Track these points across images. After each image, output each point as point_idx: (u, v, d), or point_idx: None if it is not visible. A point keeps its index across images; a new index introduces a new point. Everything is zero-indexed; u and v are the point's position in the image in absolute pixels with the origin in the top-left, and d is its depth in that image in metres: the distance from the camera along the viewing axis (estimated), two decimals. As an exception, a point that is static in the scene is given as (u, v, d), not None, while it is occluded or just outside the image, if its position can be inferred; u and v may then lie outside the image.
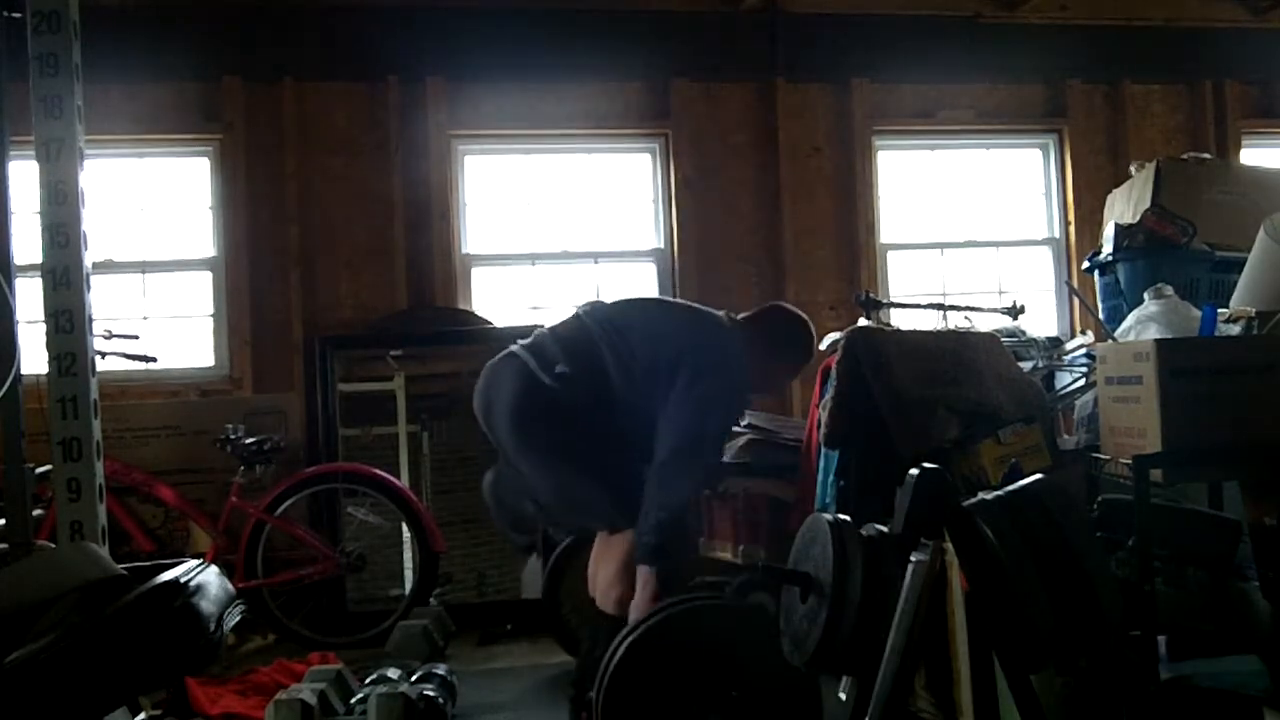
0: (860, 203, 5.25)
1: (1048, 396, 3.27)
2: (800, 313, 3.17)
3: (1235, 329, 2.81)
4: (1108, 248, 3.62)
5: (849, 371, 3.08)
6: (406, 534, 4.36)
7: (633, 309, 3.02)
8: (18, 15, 2.58)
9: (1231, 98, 5.58)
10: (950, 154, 5.57)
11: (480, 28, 4.96)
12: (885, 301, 4.42)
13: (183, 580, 1.65)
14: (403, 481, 4.44)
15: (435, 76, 4.93)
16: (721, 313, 3.04)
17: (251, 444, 4.18)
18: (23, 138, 2.63)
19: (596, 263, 5.17)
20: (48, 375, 2.61)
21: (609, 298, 3.11)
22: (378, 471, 4.31)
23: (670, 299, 2.98)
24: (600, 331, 2.87)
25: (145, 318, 4.82)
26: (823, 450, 3.35)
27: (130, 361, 4.17)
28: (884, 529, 2.11)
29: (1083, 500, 2.65)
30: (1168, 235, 3.49)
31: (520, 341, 2.96)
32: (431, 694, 3.05)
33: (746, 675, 2.51)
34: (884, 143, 5.41)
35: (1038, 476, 2.10)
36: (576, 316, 2.98)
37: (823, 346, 3.91)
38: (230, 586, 1.80)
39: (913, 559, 1.97)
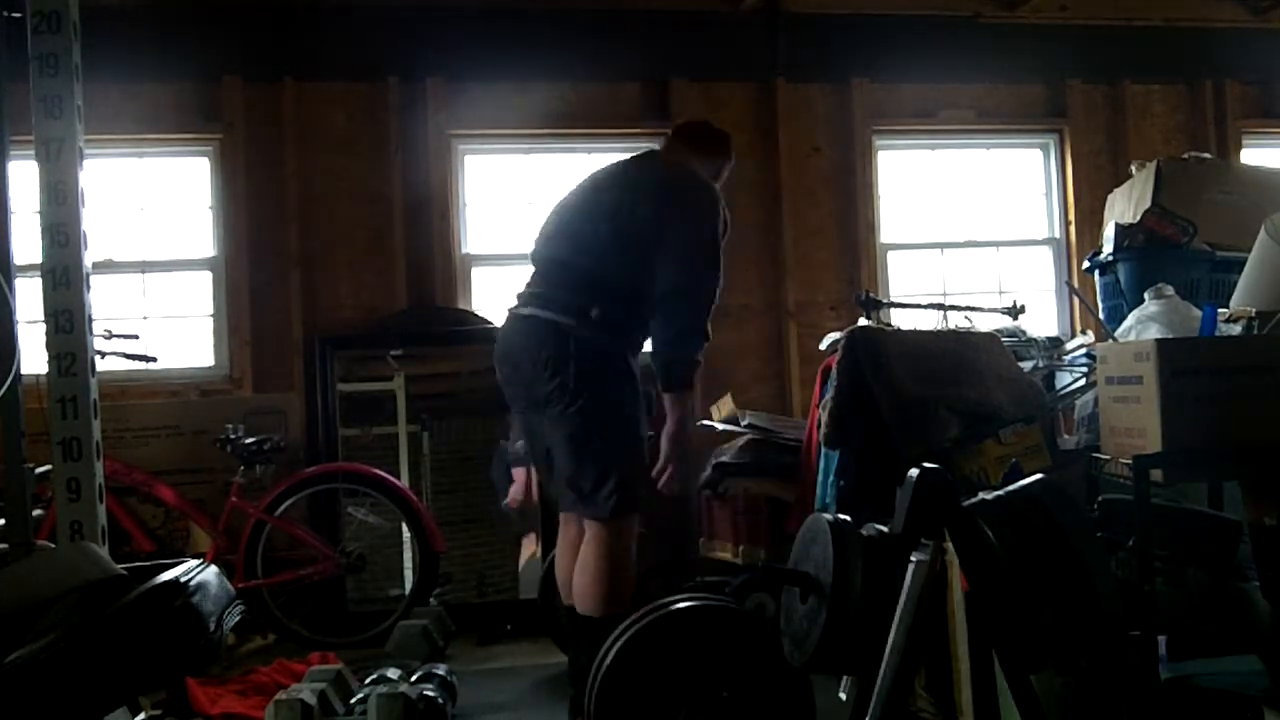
0: (860, 203, 5.24)
1: (1048, 396, 3.27)
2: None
3: (1235, 329, 2.81)
4: (1108, 248, 3.62)
5: (849, 371, 3.09)
6: (406, 534, 4.35)
7: (577, 212, 2.98)
8: (18, 15, 2.58)
9: (1231, 98, 5.57)
10: (950, 154, 5.56)
11: (480, 28, 4.96)
12: (885, 301, 4.41)
13: (183, 580, 1.65)
14: (403, 481, 4.44)
15: (435, 76, 4.93)
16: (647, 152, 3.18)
17: (251, 444, 4.18)
18: (23, 138, 2.63)
19: (596, 262, 5.16)
20: (48, 375, 2.61)
21: (541, 225, 3.07)
22: (378, 471, 4.31)
23: (590, 177, 3.09)
24: (577, 253, 2.87)
25: (145, 318, 4.82)
26: (823, 450, 3.35)
27: (130, 361, 4.16)
28: (884, 529, 2.11)
29: (1083, 500, 2.65)
30: (1168, 235, 3.48)
31: (523, 307, 2.89)
32: (431, 694, 3.05)
33: (738, 676, 2.51)
34: (884, 143, 5.41)
35: (1038, 476, 2.10)
36: (548, 259, 2.95)
37: (823, 346, 3.92)
38: (230, 586, 1.80)
39: (913, 559, 1.97)
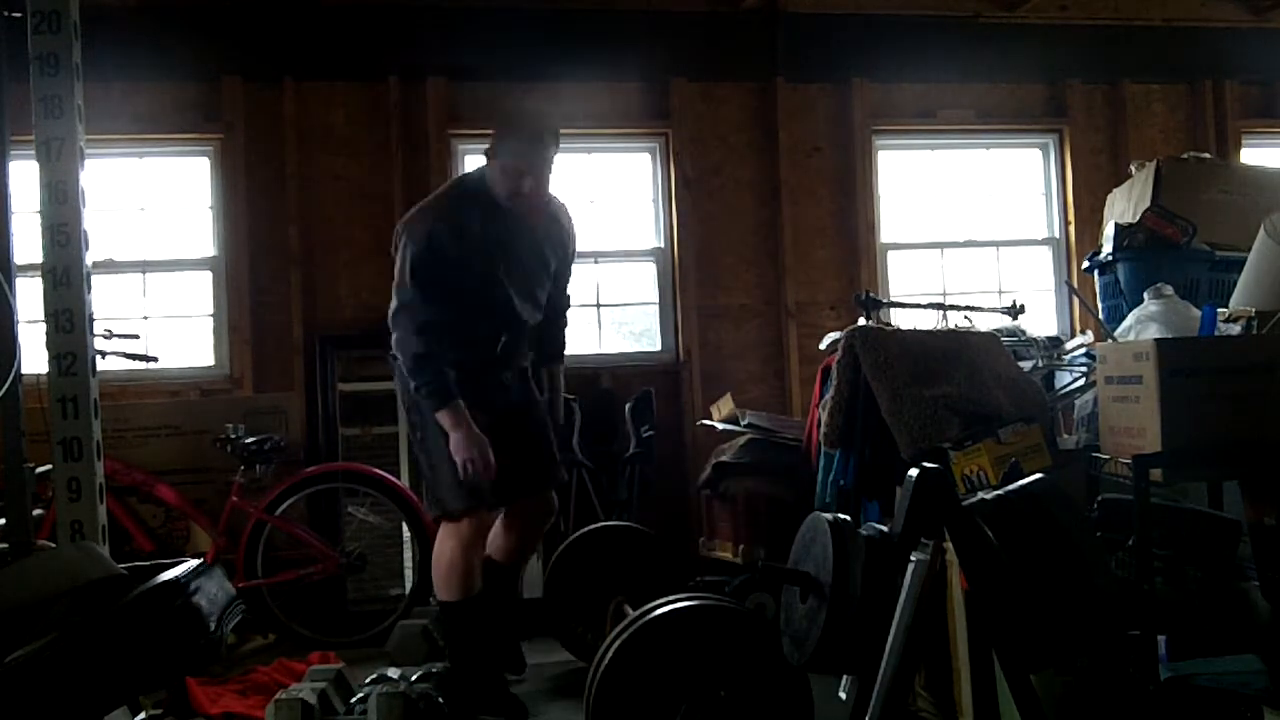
0: (860, 203, 5.24)
1: (1048, 396, 3.27)
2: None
3: (1235, 329, 2.81)
4: (1108, 247, 3.62)
5: (849, 371, 3.09)
6: (406, 534, 4.35)
7: None
8: (18, 15, 2.58)
9: (1231, 98, 5.57)
10: (950, 154, 5.56)
11: (480, 27, 4.95)
12: (885, 301, 4.42)
13: (183, 580, 1.66)
14: (403, 481, 4.44)
15: (436, 76, 4.93)
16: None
17: (251, 444, 4.17)
18: (23, 137, 2.64)
19: (596, 262, 5.16)
20: (48, 375, 2.61)
21: None
22: (378, 471, 4.31)
23: None
24: None
25: (145, 318, 4.82)
26: (823, 450, 3.36)
27: (130, 361, 4.16)
28: (884, 529, 2.11)
29: (1083, 500, 2.65)
30: (1168, 235, 3.49)
31: None
32: (431, 694, 3.05)
33: (737, 676, 2.51)
34: (884, 143, 5.41)
35: (1038, 476, 2.10)
36: None
37: (823, 346, 3.93)
38: (230, 586, 1.80)
39: (913, 559, 1.97)
